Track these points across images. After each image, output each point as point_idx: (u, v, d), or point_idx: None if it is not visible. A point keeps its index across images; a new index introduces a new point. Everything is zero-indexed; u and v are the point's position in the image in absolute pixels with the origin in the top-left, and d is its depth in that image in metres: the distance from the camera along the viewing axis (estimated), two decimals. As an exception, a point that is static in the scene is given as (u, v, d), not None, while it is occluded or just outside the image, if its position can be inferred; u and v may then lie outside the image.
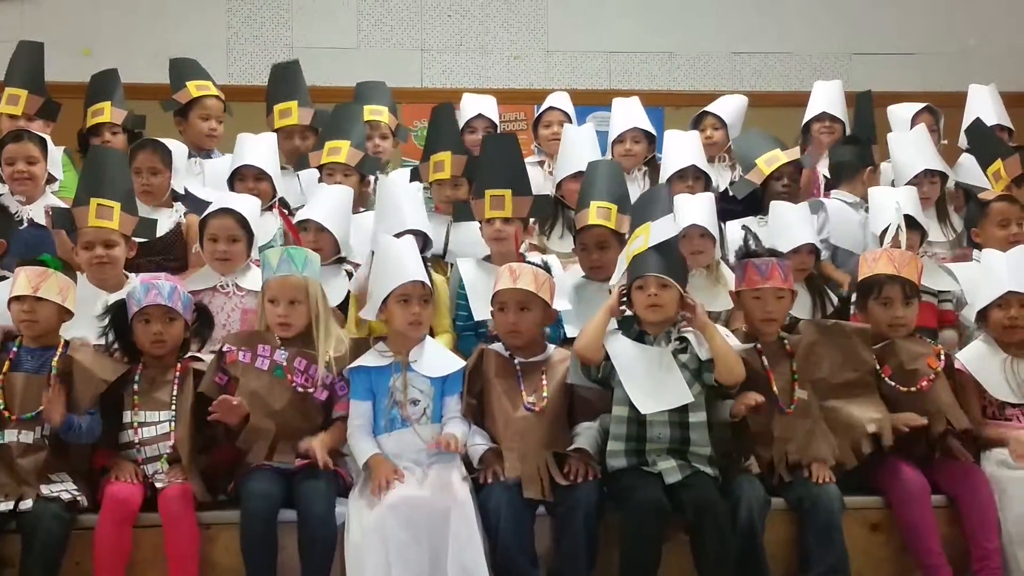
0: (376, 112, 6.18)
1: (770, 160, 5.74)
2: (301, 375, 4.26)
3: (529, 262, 4.53)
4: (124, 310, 4.33)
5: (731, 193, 5.93)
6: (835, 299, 5.15)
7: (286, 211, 5.46)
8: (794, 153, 5.82)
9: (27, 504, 3.97)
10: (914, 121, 6.34)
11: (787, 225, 5.17)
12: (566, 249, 5.46)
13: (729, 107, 6.57)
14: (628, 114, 6.22)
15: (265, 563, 4.01)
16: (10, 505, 3.97)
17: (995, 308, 4.67)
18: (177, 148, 5.57)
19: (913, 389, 4.44)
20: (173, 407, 4.22)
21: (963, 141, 6.37)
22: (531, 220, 5.12)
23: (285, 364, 4.26)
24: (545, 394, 4.29)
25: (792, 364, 4.39)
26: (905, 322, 4.56)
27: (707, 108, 6.57)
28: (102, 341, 4.38)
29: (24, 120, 5.81)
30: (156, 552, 4.03)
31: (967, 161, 6.27)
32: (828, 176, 6.09)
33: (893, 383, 4.46)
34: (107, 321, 4.35)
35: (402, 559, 3.87)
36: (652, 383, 4.16)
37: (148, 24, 8.25)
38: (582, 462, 4.18)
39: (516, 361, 4.36)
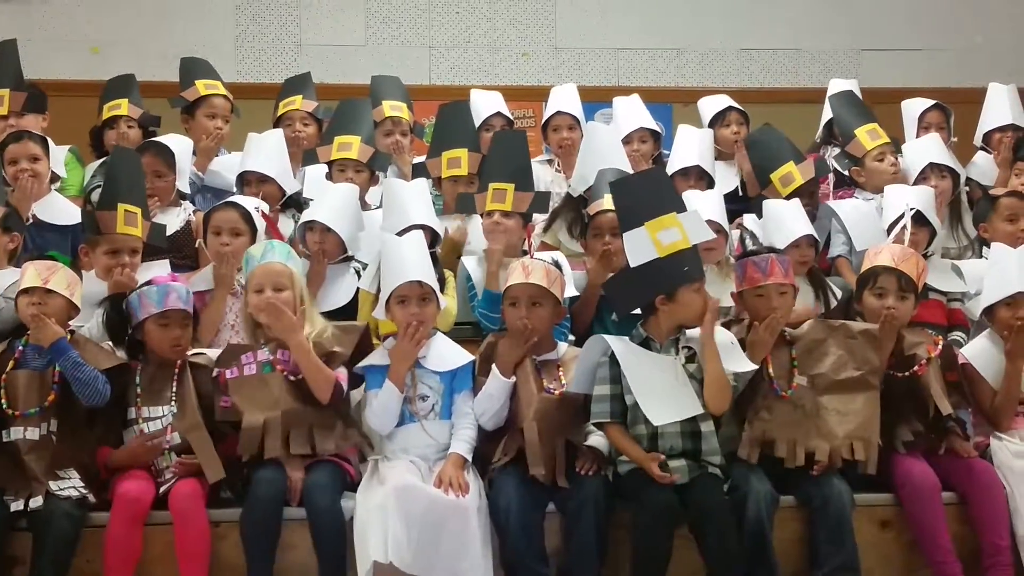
0: (396, 108, 6.18)
1: (785, 180, 5.59)
2: (288, 364, 4.25)
3: (539, 259, 4.53)
4: (119, 306, 4.34)
5: (740, 193, 5.91)
6: (838, 293, 5.13)
7: (295, 208, 5.46)
8: (808, 170, 5.63)
9: (37, 502, 3.97)
10: (923, 119, 6.31)
11: (782, 220, 5.14)
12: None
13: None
14: (632, 114, 6.18)
15: (265, 549, 4.02)
16: (20, 505, 3.98)
17: (1003, 306, 4.63)
18: (181, 146, 5.55)
19: (907, 374, 4.42)
20: (173, 401, 4.24)
21: (977, 139, 6.35)
22: (530, 220, 5.12)
23: (271, 359, 4.26)
24: (564, 382, 4.30)
25: (791, 351, 4.38)
26: (896, 314, 4.48)
27: (733, 104, 6.46)
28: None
29: (15, 118, 5.79)
30: (166, 549, 4.03)
31: (981, 160, 6.26)
32: (839, 171, 6.08)
33: (889, 371, 4.43)
34: (103, 317, 4.36)
35: (395, 541, 3.87)
36: (664, 394, 4.14)
37: (156, 22, 8.27)
38: (593, 458, 4.20)
39: (532, 357, 4.36)
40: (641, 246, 4.18)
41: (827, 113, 6.39)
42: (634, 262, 4.20)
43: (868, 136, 5.79)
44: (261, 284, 4.32)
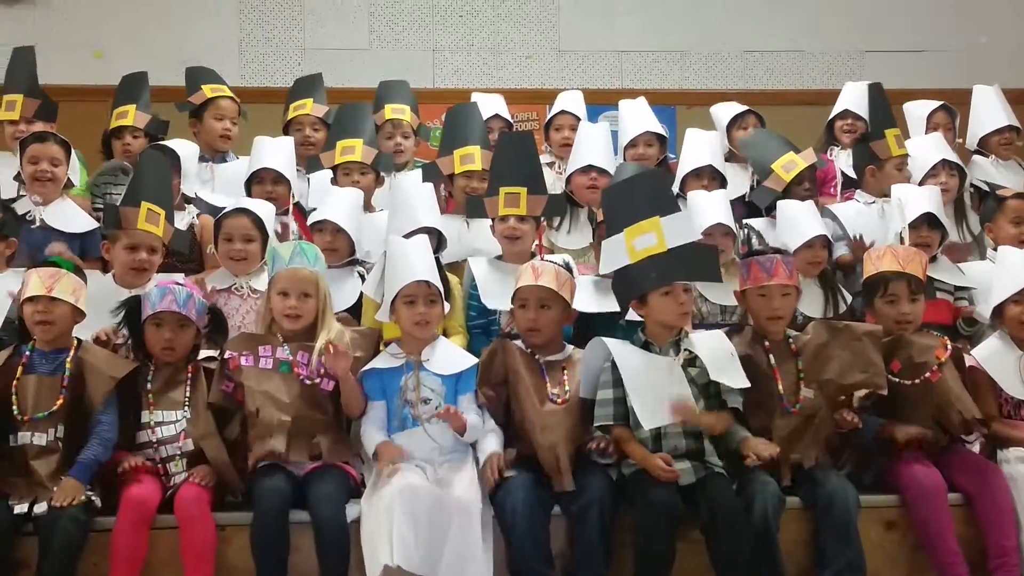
0: (399, 111, 6.20)
1: (788, 166, 5.64)
2: (306, 368, 4.26)
3: (550, 261, 4.52)
4: (139, 306, 4.33)
5: (747, 199, 5.90)
6: (848, 297, 5.14)
7: (301, 214, 5.48)
8: (809, 155, 5.72)
9: (42, 507, 3.96)
10: (930, 120, 6.32)
11: (796, 221, 5.18)
12: (574, 246, 5.47)
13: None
14: (638, 117, 6.18)
15: (276, 559, 4.01)
16: (24, 507, 3.97)
17: (1011, 303, 4.66)
18: (187, 150, 5.57)
19: (918, 381, 4.40)
20: (186, 407, 4.24)
21: (971, 143, 6.36)
22: (541, 221, 5.12)
23: (290, 359, 4.27)
24: (568, 388, 4.30)
25: (798, 363, 4.37)
26: (911, 318, 4.53)
27: (750, 107, 6.50)
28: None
29: (24, 124, 5.79)
30: (173, 554, 4.03)
31: (980, 160, 6.28)
32: (845, 172, 6.07)
33: (899, 379, 4.42)
34: (121, 316, 4.35)
35: (401, 542, 3.86)
36: (658, 396, 4.14)
37: (160, 26, 8.25)
38: (605, 440, 4.19)
39: (538, 358, 4.36)
40: (615, 254, 4.22)
41: (835, 112, 6.41)
42: (603, 270, 4.30)
43: (895, 141, 5.80)
44: (286, 288, 4.33)
